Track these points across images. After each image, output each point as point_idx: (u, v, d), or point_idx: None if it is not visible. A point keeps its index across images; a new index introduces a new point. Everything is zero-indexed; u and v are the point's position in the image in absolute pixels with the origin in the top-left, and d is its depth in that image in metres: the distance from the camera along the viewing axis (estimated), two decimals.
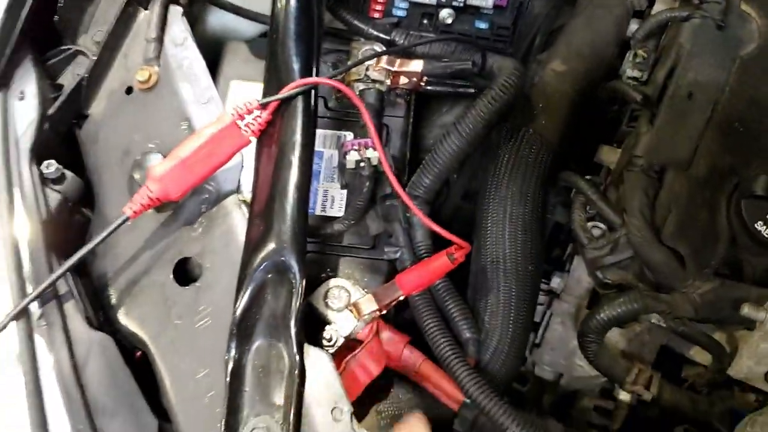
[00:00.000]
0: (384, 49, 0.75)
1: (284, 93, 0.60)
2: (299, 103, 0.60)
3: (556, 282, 0.75)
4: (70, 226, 0.66)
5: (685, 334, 0.65)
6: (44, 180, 0.64)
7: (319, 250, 0.71)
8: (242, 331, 0.58)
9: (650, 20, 0.72)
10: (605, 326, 0.65)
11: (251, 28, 0.85)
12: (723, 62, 0.67)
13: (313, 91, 0.62)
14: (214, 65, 0.78)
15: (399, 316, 0.73)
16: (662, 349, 0.72)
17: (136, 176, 0.63)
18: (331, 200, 0.73)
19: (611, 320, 0.64)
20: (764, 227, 0.59)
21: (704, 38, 0.67)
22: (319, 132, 0.75)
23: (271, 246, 0.58)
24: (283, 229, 0.58)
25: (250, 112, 0.60)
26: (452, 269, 0.64)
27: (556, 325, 0.74)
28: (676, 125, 0.66)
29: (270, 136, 0.61)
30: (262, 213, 0.59)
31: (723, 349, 0.66)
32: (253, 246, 0.58)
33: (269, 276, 0.58)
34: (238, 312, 0.58)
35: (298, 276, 0.58)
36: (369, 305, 0.65)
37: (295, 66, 0.61)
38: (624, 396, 0.71)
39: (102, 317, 0.63)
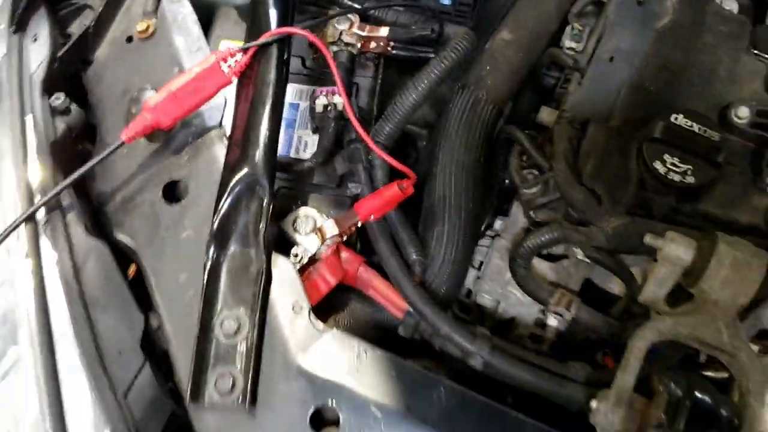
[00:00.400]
0: (355, 15, 0.86)
1: (262, 40, 0.70)
2: (274, 50, 0.71)
3: (498, 224, 0.86)
4: (74, 154, 0.76)
5: (599, 260, 0.76)
6: (53, 111, 0.74)
7: (291, 187, 0.82)
8: (219, 239, 0.68)
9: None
10: (531, 252, 0.76)
11: None
12: (641, 33, 0.78)
13: (286, 40, 0.72)
14: (207, 28, 0.89)
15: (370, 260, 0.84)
16: (588, 285, 0.83)
17: (133, 111, 0.74)
18: (305, 145, 0.84)
19: (536, 247, 0.75)
20: (661, 166, 0.70)
21: (626, 12, 0.78)
22: (295, 87, 0.86)
23: (245, 169, 0.68)
24: (256, 155, 0.69)
25: (232, 55, 0.71)
26: (403, 199, 0.75)
27: (496, 260, 0.84)
28: (598, 85, 0.77)
29: (248, 77, 0.71)
30: (239, 141, 0.70)
31: (633, 277, 0.77)
32: (230, 168, 0.69)
33: (243, 193, 0.68)
34: (216, 222, 0.68)
35: (267, 194, 0.68)
36: (331, 229, 0.76)
37: (273, 18, 0.72)
38: (552, 321, 0.81)
39: (98, 231, 0.73)
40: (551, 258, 0.83)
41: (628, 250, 0.76)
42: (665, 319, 0.67)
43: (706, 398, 0.63)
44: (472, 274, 0.85)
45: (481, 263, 0.87)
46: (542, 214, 0.80)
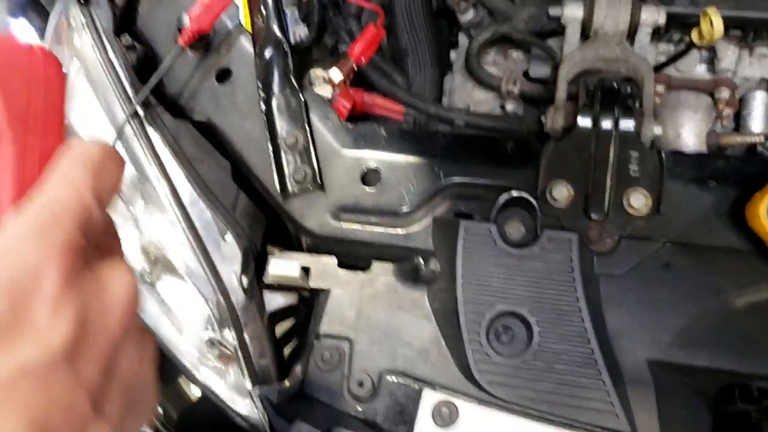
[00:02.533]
0: None
1: None
2: None
3: (453, 55, 1.16)
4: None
5: (528, 40, 1.06)
6: (124, 48, 1.04)
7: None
8: (265, 90, 0.98)
9: None
10: (479, 48, 1.06)
11: None
12: None
13: None
14: None
15: None
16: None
17: (179, 27, 1.04)
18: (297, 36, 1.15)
19: (481, 43, 1.06)
20: None
21: None
22: None
23: (269, 38, 0.99)
24: (275, 29, 0.99)
25: None
26: (380, 37, 1.05)
27: (458, 77, 1.14)
28: None
29: None
30: (261, 24, 1.00)
31: (551, 47, 1.07)
32: (260, 41, 0.99)
33: (273, 54, 0.98)
34: (261, 79, 0.98)
35: (288, 49, 0.99)
36: (336, 75, 1.06)
37: None
38: (509, 106, 1.12)
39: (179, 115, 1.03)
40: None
41: (543, 30, 1.07)
42: (577, 51, 0.98)
43: (613, 85, 0.94)
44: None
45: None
46: (478, 31, 1.10)
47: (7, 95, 0.34)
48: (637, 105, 0.91)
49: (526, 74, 1.11)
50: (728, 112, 1.08)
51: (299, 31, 1.12)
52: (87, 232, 0.35)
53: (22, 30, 0.34)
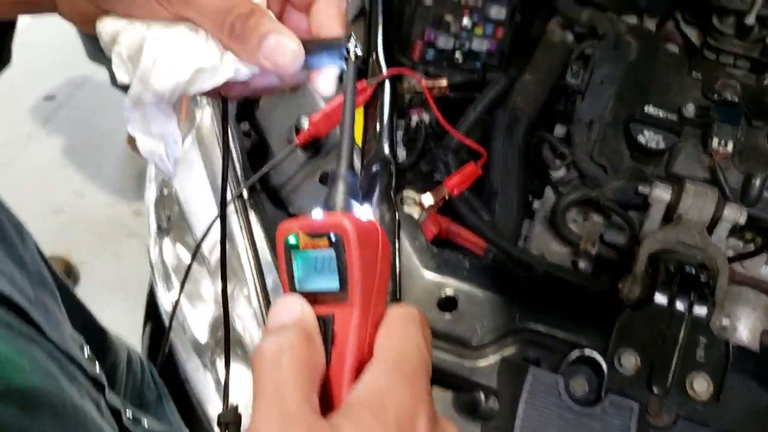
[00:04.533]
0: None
1: (383, 77, 1.10)
2: (387, 84, 1.11)
3: (536, 204, 1.23)
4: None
5: (611, 208, 1.13)
6: (242, 133, 1.12)
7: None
8: (365, 198, 1.04)
9: (577, 49, 1.25)
10: (565, 208, 1.13)
11: None
12: (618, 65, 1.19)
13: (395, 79, 1.12)
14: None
15: None
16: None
17: (296, 127, 1.12)
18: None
19: (567, 203, 1.12)
20: (642, 138, 1.09)
21: (607, 53, 1.20)
22: None
23: (378, 155, 1.06)
24: (384, 146, 1.07)
25: (364, 89, 1.10)
26: (477, 176, 1.13)
27: (538, 226, 1.20)
28: (594, 98, 1.17)
29: (373, 103, 1.10)
30: (372, 140, 1.08)
31: (633, 220, 1.13)
32: (368, 155, 1.07)
33: (378, 170, 1.06)
34: (363, 190, 1.05)
35: (393, 169, 1.06)
36: (428, 200, 1.12)
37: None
38: (581, 264, 1.17)
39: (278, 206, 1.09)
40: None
41: (628, 203, 1.13)
42: (659, 232, 1.04)
43: (692, 270, 0.99)
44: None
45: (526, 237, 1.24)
46: (566, 188, 1.17)
47: (364, 270, 0.41)
48: (710, 295, 0.96)
49: (602, 238, 1.16)
50: None
51: (400, 154, 1.20)
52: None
53: (363, 213, 0.42)
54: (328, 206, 0.47)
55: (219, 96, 0.59)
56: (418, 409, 0.38)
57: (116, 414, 0.53)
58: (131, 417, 0.59)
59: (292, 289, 0.45)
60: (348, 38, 0.53)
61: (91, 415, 0.42)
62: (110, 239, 2.46)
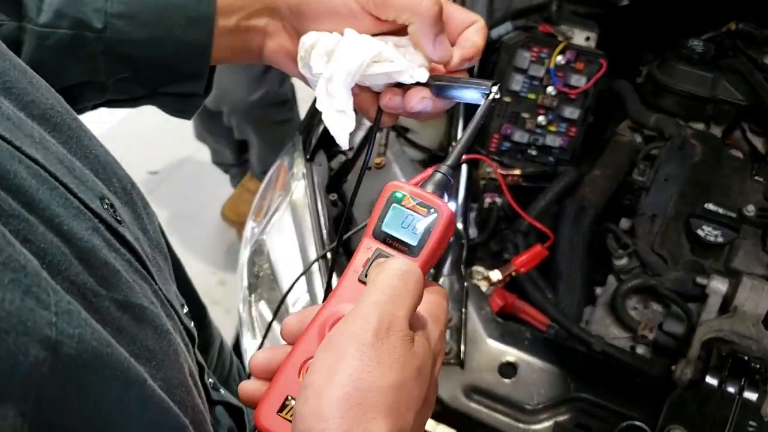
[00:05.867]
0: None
1: (464, 159, 1.22)
2: (464, 168, 1.23)
3: (598, 290, 1.30)
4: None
5: (669, 297, 1.18)
6: (331, 203, 1.24)
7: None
8: (436, 268, 1.14)
9: (645, 149, 1.34)
10: (626, 293, 1.19)
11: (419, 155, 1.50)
12: (683, 165, 1.28)
13: (474, 162, 1.24)
14: None
15: None
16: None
17: None
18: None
19: (629, 289, 1.19)
20: (701, 232, 1.16)
21: (672, 154, 1.29)
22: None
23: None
24: (459, 226, 1.17)
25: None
26: (543, 256, 1.21)
27: (600, 311, 1.27)
28: (659, 194, 1.25)
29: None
30: None
31: (690, 310, 1.18)
32: None
33: (451, 246, 1.16)
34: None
35: (465, 242, 1.16)
36: (496, 275, 1.21)
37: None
38: (639, 349, 1.22)
39: None
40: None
41: (686, 293, 1.19)
42: (714, 321, 1.09)
43: (745, 357, 1.03)
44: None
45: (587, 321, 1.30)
46: (627, 276, 1.24)
47: (436, 244, 0.54)
48: (761, 383, 1.00)
49: (660, 326, 1.22)
50: None
51: (472, 232, 1.30)
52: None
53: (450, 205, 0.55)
54: (422, 186, 0.57)
55: (376, 108, 0.70)
56: (401, 308, 0.46)
57: (201, 368, 0.62)
58: (212, 382, 0.68)
59: (377, 227, 0.55)
60: (495, 83, 0.64)
61: (182, 348, 0.52)
62: None
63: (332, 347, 0.45)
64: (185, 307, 0.61)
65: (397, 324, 0.46)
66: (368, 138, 1.34)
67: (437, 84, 0.72)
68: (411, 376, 0.45)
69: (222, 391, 0.71)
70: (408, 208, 0.55)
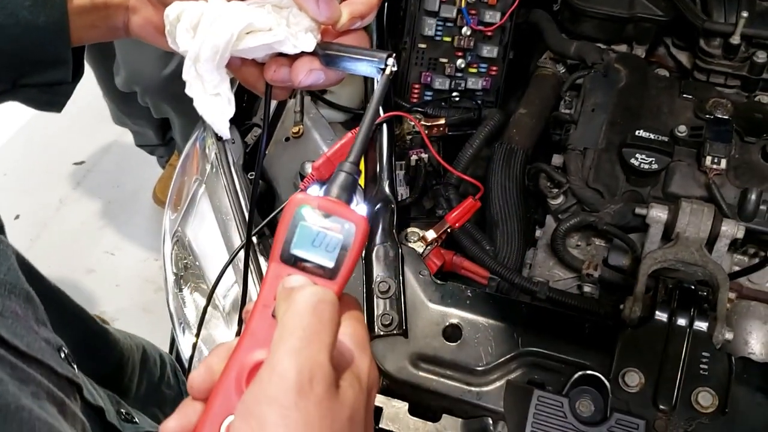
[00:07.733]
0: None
1: (381, 119, 1.15)
2: (385, 126, 1.16)
3: (538, 232, 1.26)
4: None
5: (611, 232, 1.15)
6: (249, 182, 1.17)
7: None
8: (369, 238, 1.08)
9: (568, 80, 1.29)
10: (565, 233, 1.15)
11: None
12: (609, 92, 1.23)
13: (394, 120, 1.17)
14: None
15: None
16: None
17: (300, 174, 1.17)
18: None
19: (567, 228, 1.15)
20: (635, 161, 1.12)
21: (597, 82, 1.24)
22: None
23: (379, 193, 1.10)
24: (385, 185, 1.11)
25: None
26: (476, 208, 1.16)
27: (541, 253, 1.23)
28: (587, 126, 1.20)
29: (371, 144, 1.15)
30: (372, 179, 1.12)
31: (634, 242, 1.15)
32: (370, 194, 1.11)
33: (380, 208, 1.10)
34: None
35: (394, 206, 1.10)
36: (432, 235, 1.16)
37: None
38: (586, 288, 1.19)
39: None
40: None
41: (627, 224, 1.15)
42: (659, 250, 1.06)
43: (691, 286, 1.00)
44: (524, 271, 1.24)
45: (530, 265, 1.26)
46: (565, 215, 1.20)
47: (356, 261, 0.48)
48: (710, 310, 0.97)
49: (605, 261, 1.18)
50: None
51: (403, 192, 1.24)
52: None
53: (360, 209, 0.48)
54: (327, 191, 0.51)
55: (264, 82, 0.62)
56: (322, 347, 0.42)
57: (99, 412, 0.56)
58: (125, 414, 0.62)
59: (285, 250, 0.48)
60: (390, 55, 0.57)
61: (38, 414, 0.45)
62: (140, 294, 2.53)
63: (251, 415, 0.40)
64: (63, 350, 0.54)
65: (319, 371, 0.40)
66: (272, 110, 1.26)
67: (326, 53, 0.64)
68: (343, 427, 0.40)
69: (137, 419, 0.65)
70: (318, 226, 0.48)
